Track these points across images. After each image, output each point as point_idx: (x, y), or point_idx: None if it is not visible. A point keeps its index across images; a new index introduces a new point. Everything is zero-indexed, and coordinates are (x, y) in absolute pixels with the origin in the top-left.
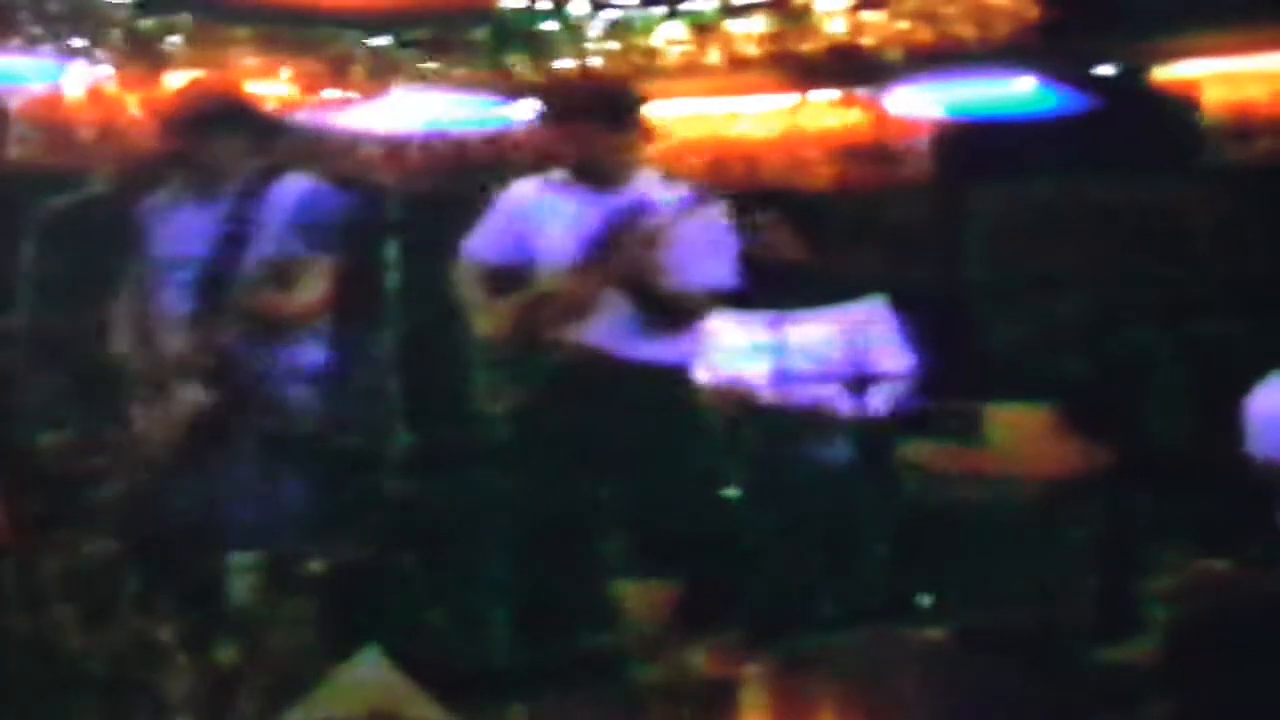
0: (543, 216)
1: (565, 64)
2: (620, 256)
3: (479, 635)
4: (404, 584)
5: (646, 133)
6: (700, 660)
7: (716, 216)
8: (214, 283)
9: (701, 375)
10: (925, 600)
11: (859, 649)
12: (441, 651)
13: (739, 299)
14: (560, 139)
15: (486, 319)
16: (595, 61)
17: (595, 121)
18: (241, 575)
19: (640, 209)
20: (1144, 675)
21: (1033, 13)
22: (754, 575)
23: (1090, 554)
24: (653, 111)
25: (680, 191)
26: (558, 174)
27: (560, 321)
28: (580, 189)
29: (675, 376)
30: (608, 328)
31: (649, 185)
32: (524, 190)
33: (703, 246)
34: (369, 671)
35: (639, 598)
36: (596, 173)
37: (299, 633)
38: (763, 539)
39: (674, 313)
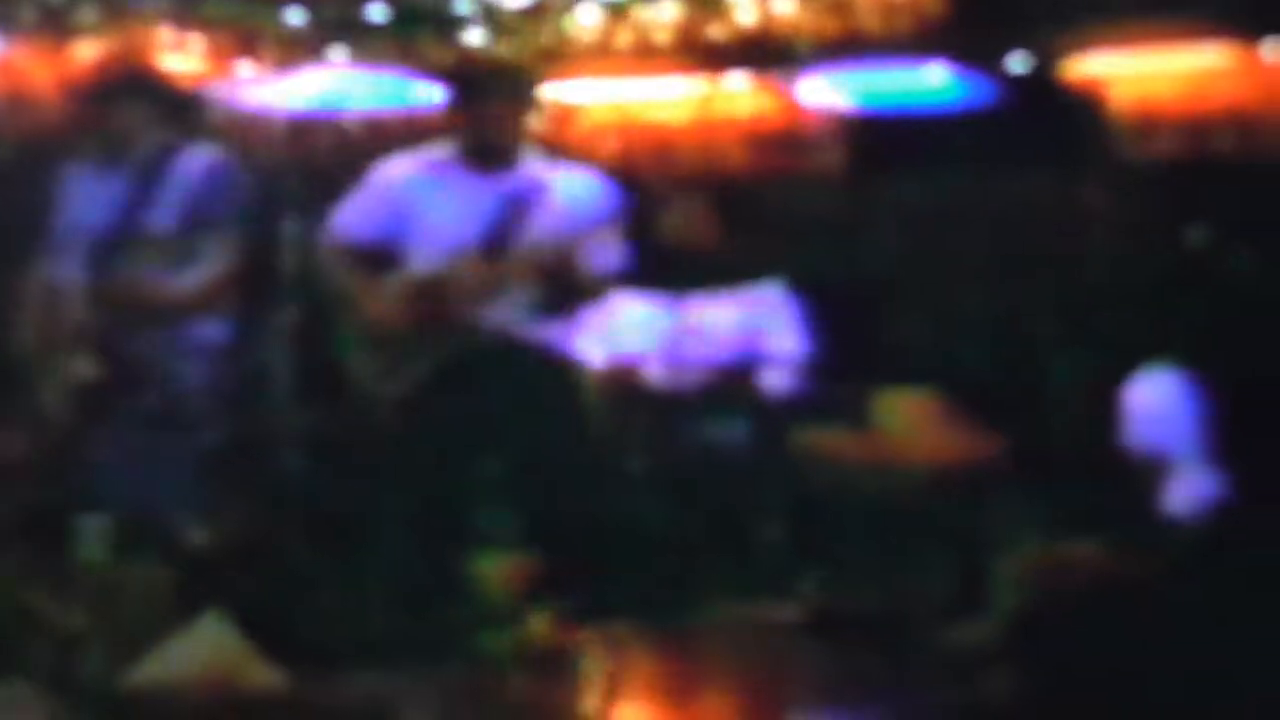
0: (422, 195)
1: (474, 46)
2: (515, 240)
3: (331, 607)
4: (274, 558)
5: (538, 114)
6: (541, 629)
7: (603, 196)
8: (111, 255)
9: (595, 355)
10: (797, 583)
11: (708, 627)
12: (289, 620)
13: (638, 279)
14: (456, 117)
15: (370, 300)
16: (506, 44)
17: (492, 101)
18: (93, 538)
19: (538, 191)
20: (985, 654)
21: (937, 6)
22: (629, 553)
23: (957, 539)
24: (565, 94)
25: (567, 171)
26: (439, 152)
27: (462, 303)
28: (467, 168)
29: (560, 359)
30: (508, 310)
31: (536, 166)
32: (400, 168)
33: (603, 234)
34: (208, 635)
35: (496, 570)
36: (489, 152)
37: (152, 599)
38: (646, 518)
39: (578, 296)
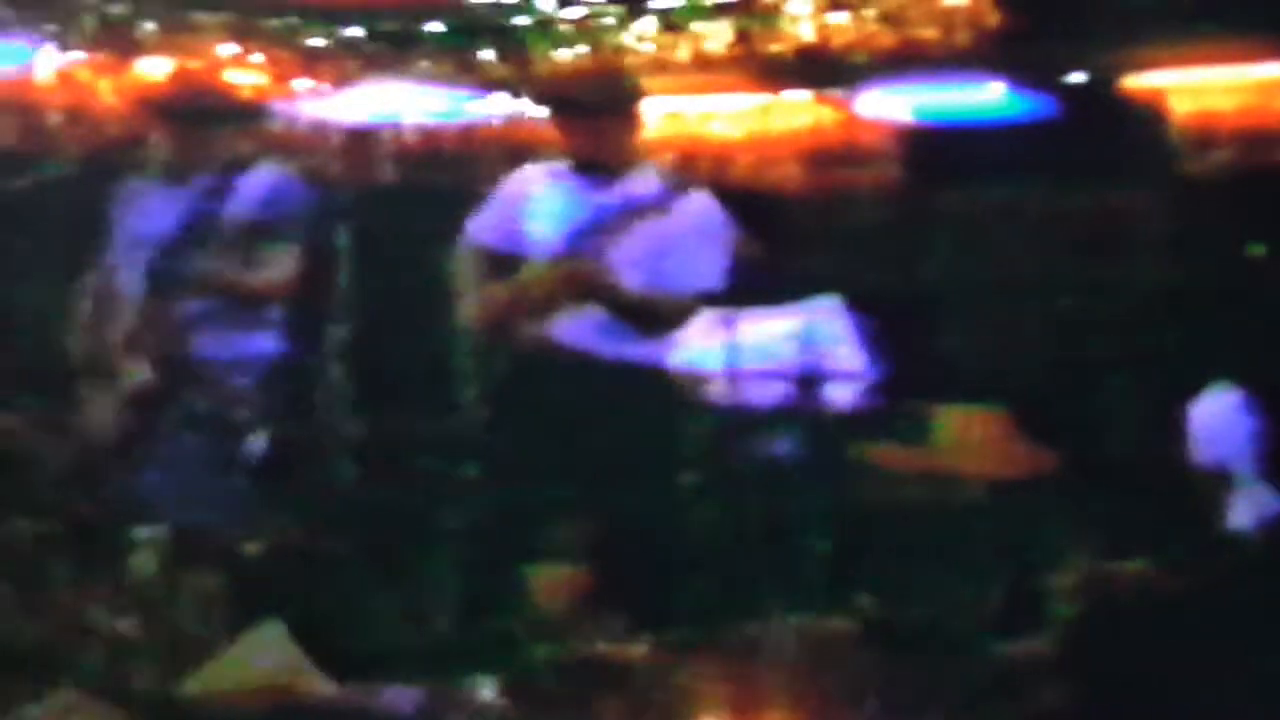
0: (540, 205)
1: (537, 59)
2: (594, 254)
3: (388, 616)
4: (328, 568)
5: (644, 126)
6: (596, 642)
7: (711, 216)
8: (174, 266)
9: (658, 370)
10: (852, 594)
11: (764, 636)
12: (346, 630)
13: (707, 296)
14: (560, 131)
15: (473, 305)
16: (566, 56)
17: (597, 113)
18: (147, 550)
19: (633, 206)
20: (1038, 666)
21: (993, 18)
22: (688, 565)
23: (1013, 553)
24: (627, 107)
25: (677, 188)
26: (561, 163)
27: (531, 312)
28: (578, 181)
29: (622, 371)
30: (571, 323)
31: (647, 180)
32: (528, 177)
33: (694, 246)
34: (267, 644)
35: (551, 581)
36: (595, 166)
37: (205, 607)
38: (703, 529)
39: (646, 318)
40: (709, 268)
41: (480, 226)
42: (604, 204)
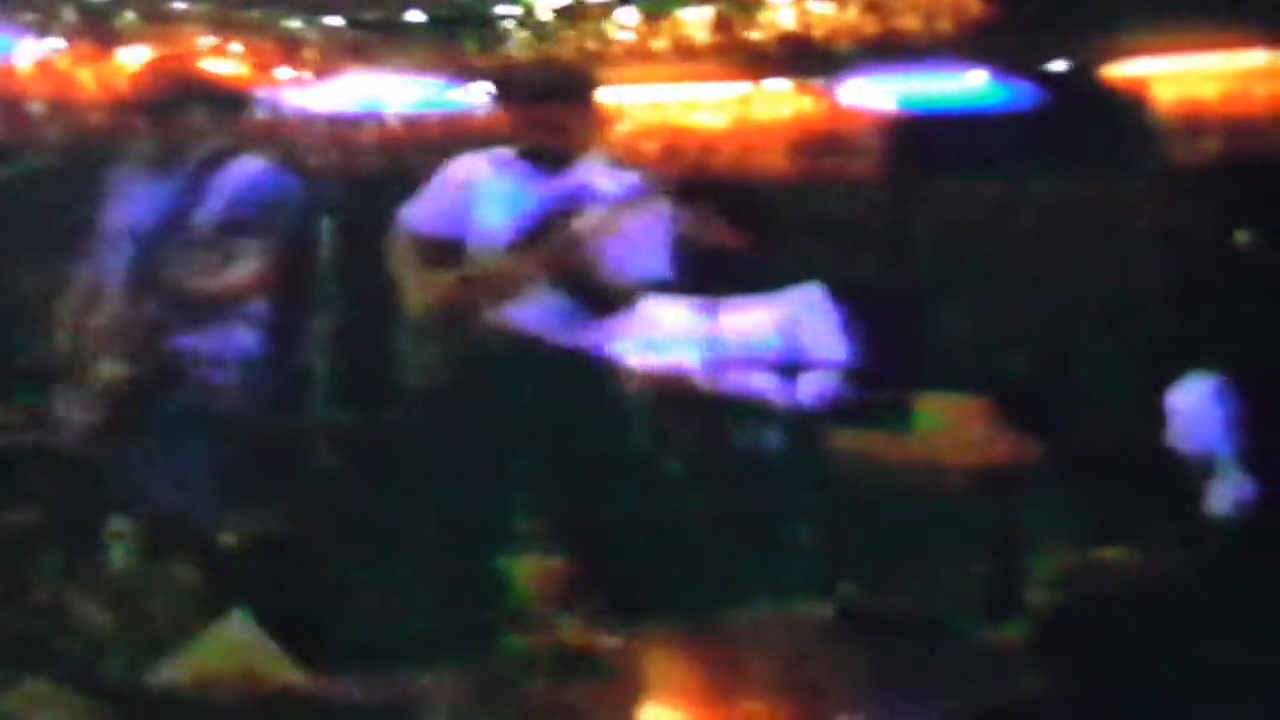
0: (485, 193)
1: (517, 48)
2: (554, 241)
3: (361, 605)
4: (306, 558)
5: (598, 118)
6: (572, 632)
7: (658, 208)
8: (151, 258)
9: (634, 360)
10: (834, 582)
11: (745, 625)
12: (318, 620)
13: (676, 285)
14: (512, 120)
15: (420, 292)
16: (547, 46)
17: (549, 104)
18: (124, 541)
19: (583, 195)
20: (1020, 651)
21: (976, 7)
22: (667, 553)
23: (994, 541)
24: (606, 97)
25: (626, 179)
26: (505, 152)
27: (491, 300)
28: (527, 169)
29: (596, 361)
30: (536, 311)
31: (595, 170)
32: (469, 166)
33: (641, 238)
34: (238, 634)
35: (528, 572)
36: (545, 154)
37: (180, 598)
38: (685, 519)
39: (602, 301)
40: (683, 257)
41: (417, 212)
42: (574, 192)
